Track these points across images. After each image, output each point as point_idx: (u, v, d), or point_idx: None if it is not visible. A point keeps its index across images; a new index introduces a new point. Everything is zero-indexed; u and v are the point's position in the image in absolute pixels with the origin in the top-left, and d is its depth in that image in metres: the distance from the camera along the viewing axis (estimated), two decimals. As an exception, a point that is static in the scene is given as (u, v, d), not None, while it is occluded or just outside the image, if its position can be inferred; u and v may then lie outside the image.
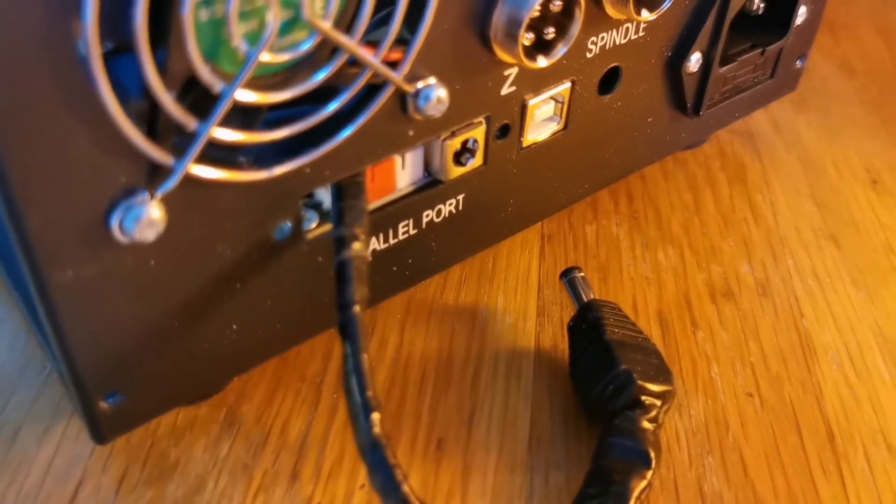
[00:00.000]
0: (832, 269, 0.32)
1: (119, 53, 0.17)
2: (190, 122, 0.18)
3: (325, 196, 0.24)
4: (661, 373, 0.25)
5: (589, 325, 0.26)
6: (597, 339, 0.26)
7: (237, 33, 0.18)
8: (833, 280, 0.32)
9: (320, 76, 0.20)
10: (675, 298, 0.31)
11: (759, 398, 0.27)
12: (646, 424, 0.24)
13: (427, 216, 0.26)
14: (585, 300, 0.27)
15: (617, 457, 0.24)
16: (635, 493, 0.23)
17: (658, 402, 0.25)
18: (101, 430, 0.23)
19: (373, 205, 0.25)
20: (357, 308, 0.21)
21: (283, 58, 0.19)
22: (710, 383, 0.28)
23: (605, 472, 0.23)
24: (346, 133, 0.22)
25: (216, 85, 0.18)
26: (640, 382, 0.25)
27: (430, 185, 0.26)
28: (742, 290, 0.31)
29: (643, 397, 0.25)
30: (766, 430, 0.26)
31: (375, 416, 0.20)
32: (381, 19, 0.21)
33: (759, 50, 0.32)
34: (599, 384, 0.25)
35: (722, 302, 0.31)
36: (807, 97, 0.41)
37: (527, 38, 0.23)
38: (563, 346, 0.29)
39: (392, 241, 0.26)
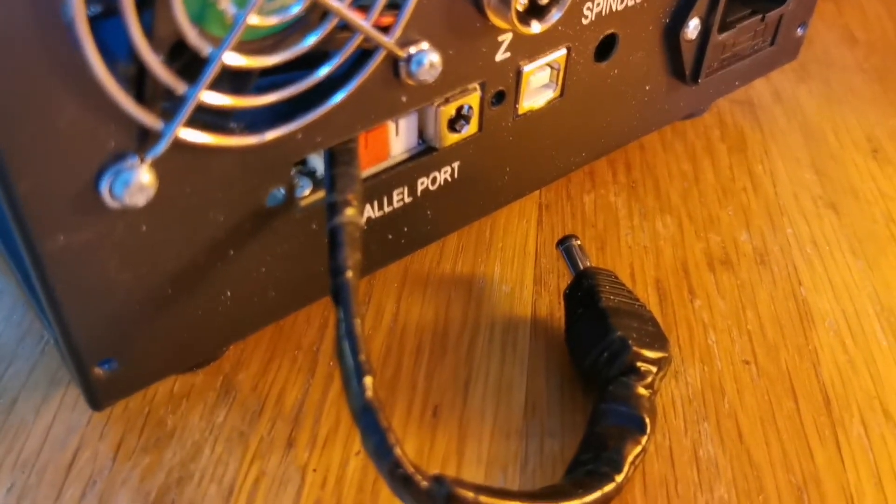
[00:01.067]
0: (831, 238, 0.32)
1: (105, 17, 0.17)
2: (178, 86, 0.18)
3: (318, 164, 0.24)
4: (657, 339, 0.25)
5: (584, 292, 0.26)
6: (592, 307, 0.26)
7: (225, -5, 0.18)
8: (832, 248, 0.32)
9: (310, 40, 0.20)
10: (673, 267, 0.31)
11: (756, 365, 0.27)
12: (641, 391, 0.24)
13: (422, 184, 0.26)
14: (581, 268, 0.27)
15: (611, 423, 0.24)
16: (629, 459, 0.23)
17: (653, 369, 0.25)
18: (97, 397, 0.23)
19: (367, 172, 0.25)
20: (349, 273, 0.21)
21: (272, 21, 0.19)
22: (707, 351, 0.28)
23: (599, 438, 0.23)
24: (338, 98, 0.21)
25: (204, 48, 0.18)
26: (635, 349, 0.25)
27: (425, 153, 0.26)
28: (740, 258, 0.31)
29: (638, 363, 0.25)
30: (762, 397, 0.26)
31: (368, 379, 0.20)
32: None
33: (759, 16, 0.32)
34: (594, 351, 0.25)
35: (720, 270, 0.31)
36: (808, 66, 0.41)
37: (520, 2, 0.23)
38: (560, 314, 0.29)
39: (387, 209, 0.26)
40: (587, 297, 0.26)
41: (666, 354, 0.25)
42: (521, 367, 0.27)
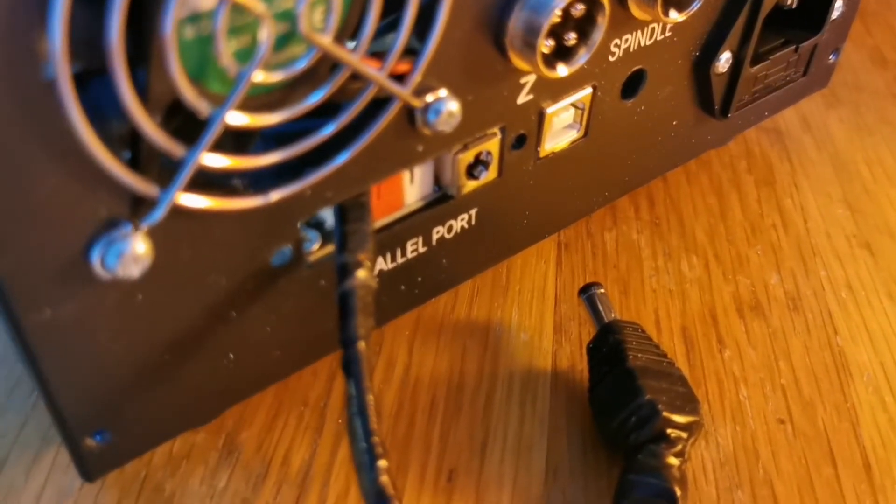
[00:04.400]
0: (867, 281, 0.30)
1: (93, 75, 0.16)
2: (176, 150, 0.17)
3: (327, 214, 0.22)
4: (688, 402, 0.24)
5: (610, 348, 0.25)
6: (618, 365, 0.24)
7: (226, 52, 0.16)
8: (868, 292, 0.30)
9: (320, 95, 0.18)
10: (700, 313, 0.29)
11: (791, 425, 0.26)
12: (671, 460, 0.23)
13: (437, 232, 0.25)
14: (606, 320, 0.26)
15: (640, 495, 0.22)
16: (660, 537, 0.21)
17: (684, 435, 0.23)
18: (89, 469, 0.21)
19: (379, 222, 0.23)
20: (362, 344, 0.19)
21: (278, 77, 0.17)
22: (739, 408, 0.26)
23: (627, 512, 0.22)
24: (349, 153, 0.20)
25: (204, 109, 0.17)
26: (665, 414, 0.23)
27: (441, 200, 0.24)
28: (771, 303, 0.29)
29: (668, 430, 0.23)
30: (798, 461, 0.25)
31: (382, 463, 0.18)
32: (387, 25, 0.19)
33: (793, 47, 0.30)
34: (621, 414, 0.23)
35: (750, 317, 0.29)
36: (837, 90, 0.39)
37: (546, 45, 0.21)
38: (582, 366, 0.27)
39: (400, 260, 0.24)
40: (613, 354, 0.25)
41: (697, 418, 0.24)
42: (541, 427, 0.25)
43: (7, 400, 0.26)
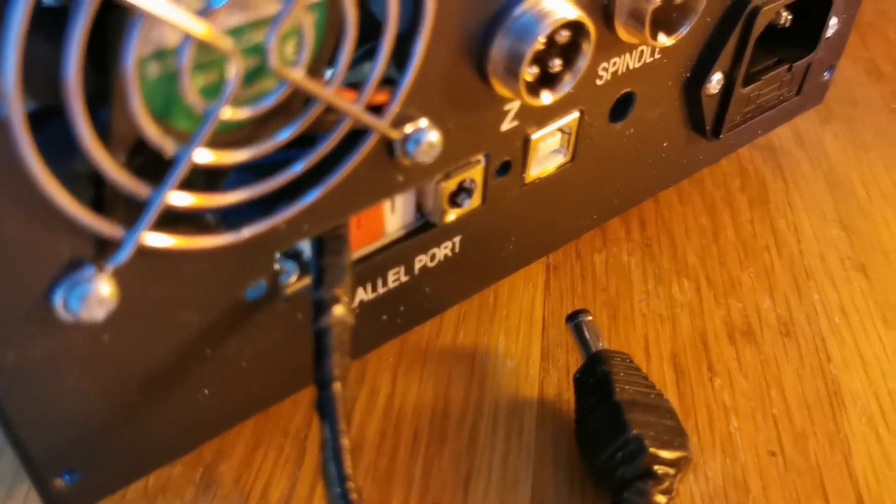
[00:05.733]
0: (861, 305, 0.30)
1: (54, 112, 0.15)
2: (140, 190, 0.16)
3: (305, 245, 0.22)
4: (676, 436, 0.23)
5: (597, 380, 0.24)
6: (605, 398, 0.23)
7: (193, 89, 0.16)
8: (862, 317, 0.29)
9: (292, 130, 0.18)
10: (691, 339, 0.28)
11: (783, 457, 0.25)
12: (658, 498, 0.22)
13: (420, 262, 0.24)
14: (593, 350, 0.25)
15: (627, 535, 0.21)
16: (647, 580, 0.21)
17: (672, 471, 0.22)
18: (59, 509, 0.21)
19: (359, 252, 0.23)
20: (337, 385, 0.19)
21: (247, 114, 0.17)
22: (729, 439, 0.26)
23: (613, 552, 0.21)
24: (324, 187, 0.19)
25: (169, 148, 0.16)
26: (651, 450, 0.22)
27: (424, 229, 0.24)
28: (764, 329, 0.29)
29: (655, 466, 0.22)
30: (790, 495, 0.24)
31: (356, 510, 0.18)
32: (364, 54, 0.19)
33: (786, 66, 0.30)
34: (608, 449, 0.23)
35: (742, 343, 0.28)
36: (832, 105, 0.39)
37: (530, 72, 0.21)
38: (569, 395, 0.27)
39: (381, 290, 0.24)
40: (600, 385, 0.24)
41: (685, 454, 0.23)
42: (526, 460, 0.25)
43: (-20, 430, 0.25)
